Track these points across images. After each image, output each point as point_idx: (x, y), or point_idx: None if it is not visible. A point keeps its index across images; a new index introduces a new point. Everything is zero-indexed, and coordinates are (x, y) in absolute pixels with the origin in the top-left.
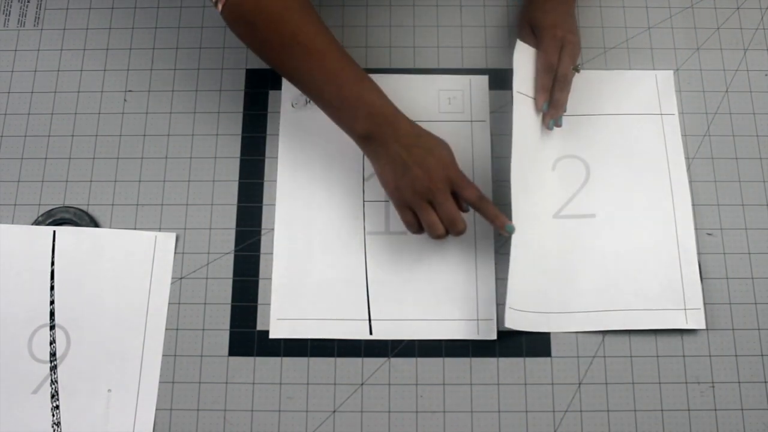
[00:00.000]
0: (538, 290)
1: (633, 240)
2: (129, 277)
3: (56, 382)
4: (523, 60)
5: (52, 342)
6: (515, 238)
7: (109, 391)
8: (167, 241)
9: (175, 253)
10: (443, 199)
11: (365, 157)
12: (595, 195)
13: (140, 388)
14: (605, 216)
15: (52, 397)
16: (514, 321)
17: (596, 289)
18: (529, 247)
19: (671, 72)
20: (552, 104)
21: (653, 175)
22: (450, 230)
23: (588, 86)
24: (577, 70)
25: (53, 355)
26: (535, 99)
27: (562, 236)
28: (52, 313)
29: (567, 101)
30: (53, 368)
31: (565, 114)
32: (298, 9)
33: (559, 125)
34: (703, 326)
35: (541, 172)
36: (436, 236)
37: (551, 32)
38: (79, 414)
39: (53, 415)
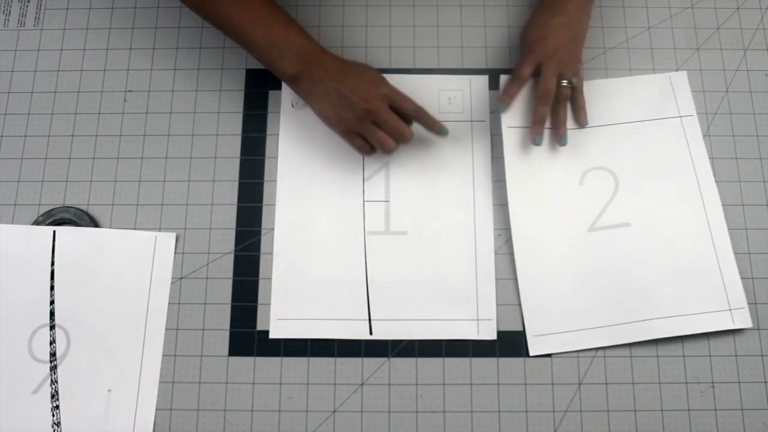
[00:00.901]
0: (570, 308)
1: (671, 245)
2: (129, 277)
3: (56, 382)
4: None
5: (52, 342)
6: (551, 254)
7: (109, 391)
8: (167, 241)
9: (175, 253)
10: (386, 116)
11: (365, 157)
12: (627, 204)
13: (140, 388)
14: (640, 224)
15: (52, 397)
16: (542, 347)
17: (642, 297)
18: (567, 262)
19: (685, 72)
20: (536, 120)
21: (681, 177)
22: (399, 141)
23: (603, 95)
24: (572, 85)
25: (53, 355)
26: (498, 101)
27: (599, 249)
28: (52, 313)
29: (548, 115)
30: (53, 368)
31: (588, 126)
32: None
33: (562, 144)
34: (749, 325)
35: (567, 189)
36: (388, 151)
37: (530, 48)
38: (79, 414)
39: (53, 415)
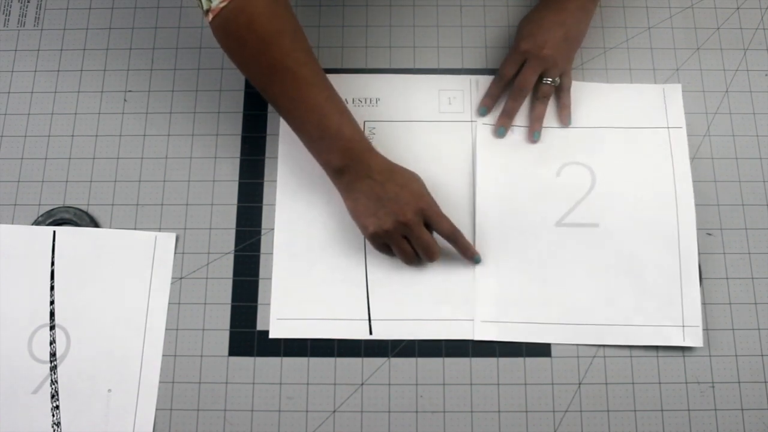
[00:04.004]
0: (529, 299)
1: (635, 253)
2: (129, 277)
3: (56, 382)
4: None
5: (52, 342)
6: (512, 245)
7: (109, 391)
8: (167, 241)
9: (175, 253)
10: (419, 233)
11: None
12: (600, 204)
13: (140, 388)
14: (608, 227)
15: (52, 397)
16: (488, 332)
17: (596, 301)
18: (527, 254)
19: (679, 85)
20: (502, 112)
21: (658, 188)
22: (425, 258)
23: (596, 100)
24: (554, 84)
25: (53, 355)
26: (480, 105)
27: (563, 245)
28: (52, 313)
29: (516, 111)
30: (53, 368)
31: (572, 126)
32: (291, 34)
33: (533, 140)
34: (700, 344)
35: (544, 179)
36: (412, 264)
37: (516, 42)
38: (79, 414)
39: (53, 415)
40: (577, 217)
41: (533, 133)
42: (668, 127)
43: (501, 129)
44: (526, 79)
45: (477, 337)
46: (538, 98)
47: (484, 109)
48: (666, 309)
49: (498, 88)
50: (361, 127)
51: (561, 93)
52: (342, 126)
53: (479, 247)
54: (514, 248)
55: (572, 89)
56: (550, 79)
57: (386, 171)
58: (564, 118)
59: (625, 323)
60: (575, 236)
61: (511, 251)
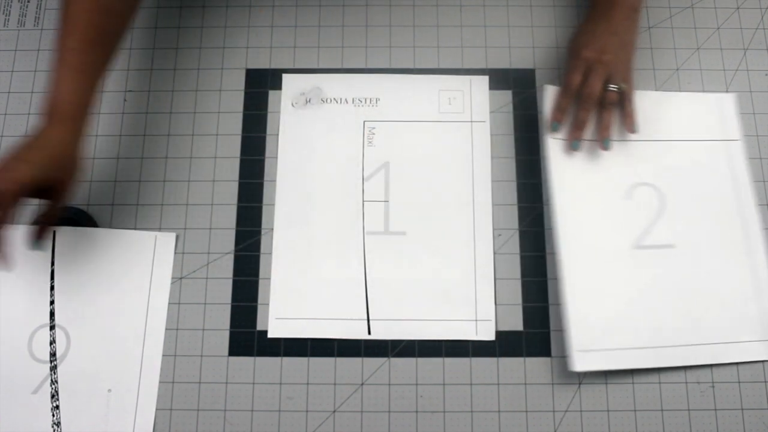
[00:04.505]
0: (616, 326)
1: (712, 272)
2: (129, 277)
3: (56, 382)
4: (551, 102)
5: (52, 342)
6: (591, 270)
7: (109, 391)
8: (167, 241)
9: (175, 253)
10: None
11: (364, 157)
12: (673, 224)
13: (140, 388)
14: (684, 247)
15: (52, 397)
16: (587, 362)
17: (679, 323)
18: (611, 279)
19: (733, 95)
20: (574, 125)
21: (723, 203)
22: None
23: (652, 107)
24: (620, 90)
25: (53, 355)
26: (551, 120)
27: (642, 268)
28: (52, 313)
29: (588, 120)
30: (53, 368)
31: (634, 139)
32: None
33: (604, 148)
34: None
35: (614, 202)
36: None
37: (576, 52)
38: (79, 414)
39: (53, 415)
40: (654, 239)
41: (604, 141)
42: (726, 140)
43: (575, 143)
44: (595, 86)
45: (577, 369)
46: (604, 106)
47: (556, 124)
48: (748, 324)
49: (567, 100)
50: (361, 127)
51: (624, 101)
52: (61, 82)
53: (568, 275)
54: (600, 272)
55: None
56: (615, 86)
57: (37, 136)
58: (629, 125)
59: (710, 342)
60: (654, 258)
61: (597, 276)
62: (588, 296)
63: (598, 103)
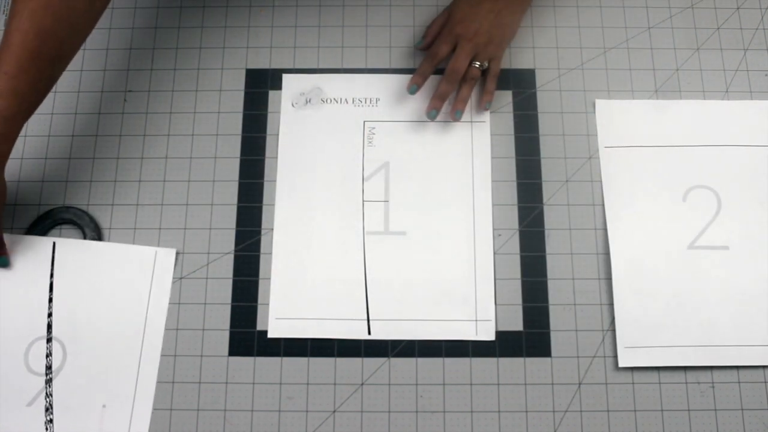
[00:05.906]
0: (665, 324)
1: (767, 273)
2: (128, 292)
3: (51, 395)
4: (605, 115)
5: (48, 355)
6: (642, 268)
7: (104, 406)
8: (167, 257)
9: (174, 266)
10: None
11: (364, 157)
12: (728, 227)
13: (134, 407)
14: (739, 249)
15: (47, 410)
16: (634, 359)
17: (732, 323)
18: (662, 277)
19: None
20: (435, 95)
21: None
22: None
23: (700, 115)
24: (482, 68)
25: (49, 368)
26: (410, 82)
27: (695, 268)
28: (49, 326)
29: (450, 93)
30: (48, 381)
31: (693, 145)
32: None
33: (455, 119)
34: None
35: (669, 204)
36: None
37: (451, 25)
38: (73, 428)
39: (47, 429)
40: (708, 240)
41: (455, 112)
42: None
43: (433, 112)
44: (461, 62)
45: (621, 365)
46: (466, 80)
47: (414, 87)
48: None
49: (430, 67)
50: (361, 127)
51: (487, 78)
52: None
53: (617, 274)
54: (651, 271)
55: (689, 107)
56: (478, 63)
57: None
58: (483, 102)
59: (763, 343)
60: (708, 258)
61: (647, 274)
62: (637, 295)
63: (462, 78)
